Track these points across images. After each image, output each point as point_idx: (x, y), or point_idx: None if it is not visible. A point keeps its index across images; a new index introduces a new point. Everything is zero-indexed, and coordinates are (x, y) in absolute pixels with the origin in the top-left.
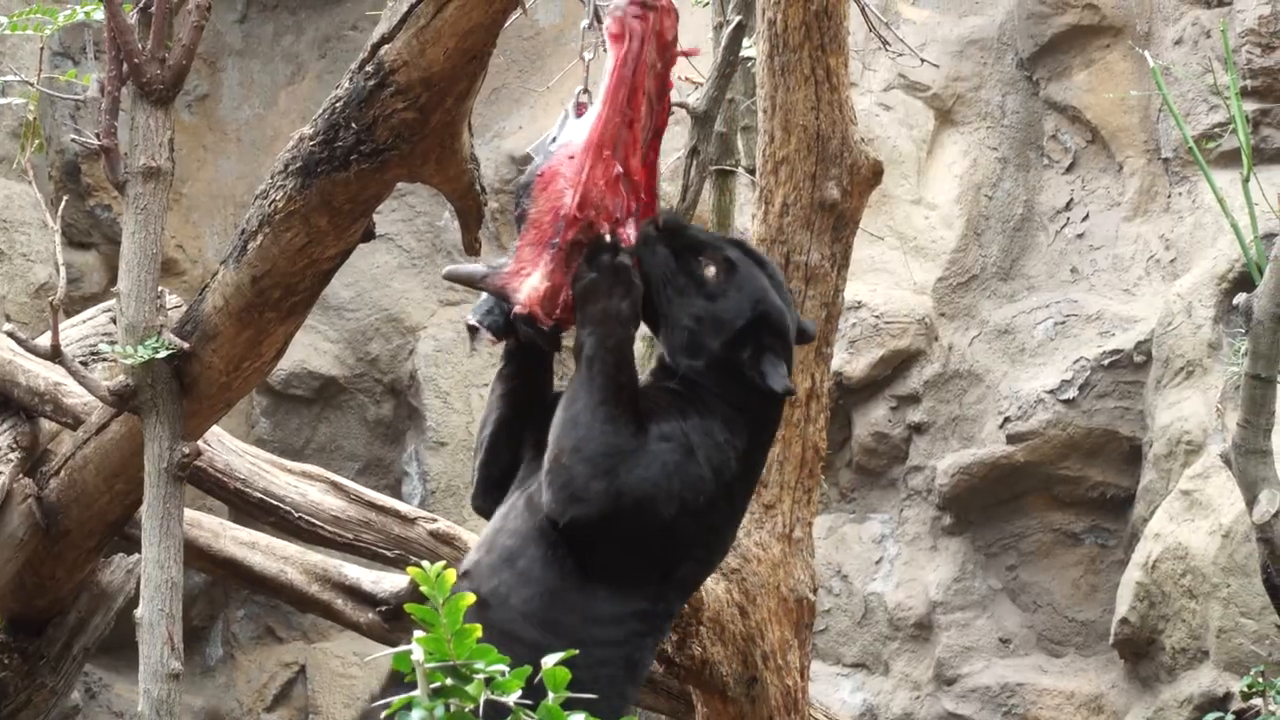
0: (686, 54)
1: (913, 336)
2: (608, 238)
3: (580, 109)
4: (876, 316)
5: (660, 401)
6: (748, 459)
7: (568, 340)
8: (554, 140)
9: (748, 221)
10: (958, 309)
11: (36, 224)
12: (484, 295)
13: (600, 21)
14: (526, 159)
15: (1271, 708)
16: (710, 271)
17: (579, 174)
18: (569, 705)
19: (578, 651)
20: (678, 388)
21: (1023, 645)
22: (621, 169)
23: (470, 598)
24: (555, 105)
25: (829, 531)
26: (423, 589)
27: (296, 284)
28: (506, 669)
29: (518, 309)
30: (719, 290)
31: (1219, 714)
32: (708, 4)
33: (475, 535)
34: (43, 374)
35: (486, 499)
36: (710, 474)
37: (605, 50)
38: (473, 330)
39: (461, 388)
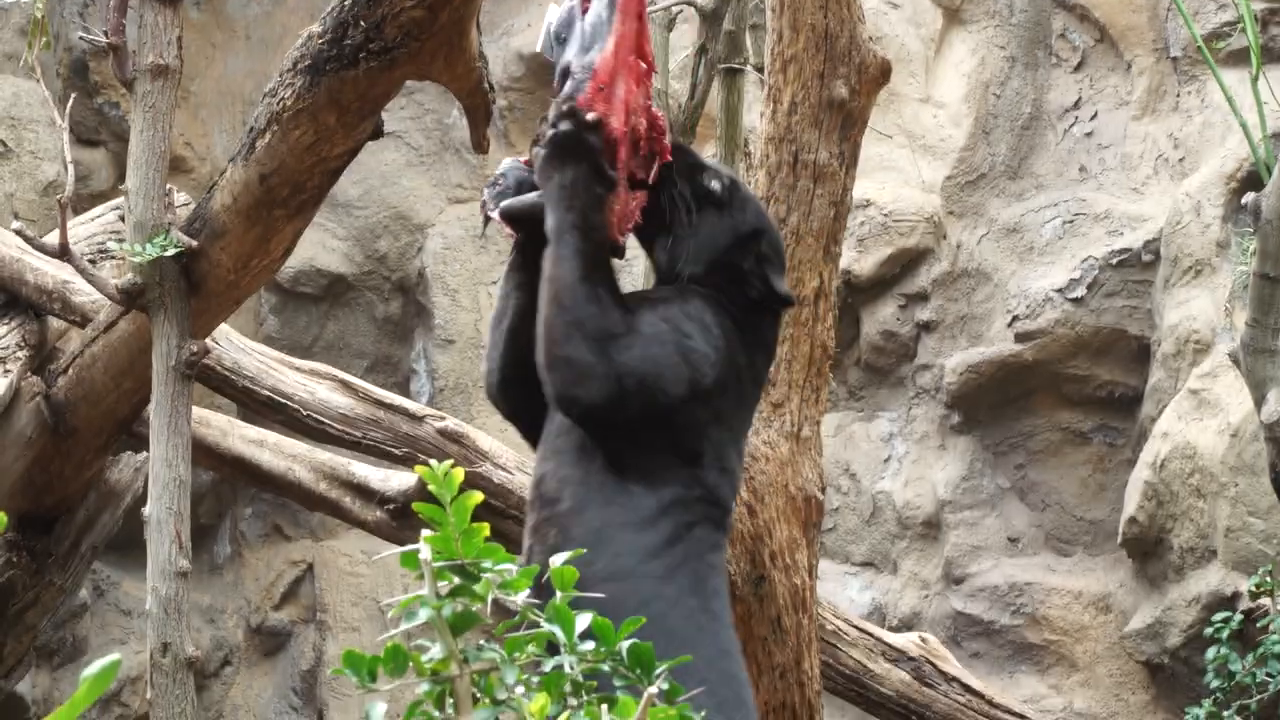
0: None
1: (921, 235)
2: (566, 121)
3: (585, 2)
4: (885, 215)
5: (650, 295)
6: (748, 358)
7: None
8: (559, 38)
9: (756, 120)
10: (966, 207)
11: (44, 121)
12: (499, 180)
13: None
14: (537, 57)
15: (1279, 606)
16: (716, 185)
17: (613, 95)
18: (578, 605)
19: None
20: (669, 288)
21: (1031, 544)
22: (644, 63)
23: (476, 494)
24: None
25: (837, 430)
26: (431, 487)
27: (305, 182)
28: (514, 567)
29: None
30: (727, 200)
31: (1227, 613)
32: None
33: (483, 433)
34: (51, 272)
35: (507, 391)
36: (713, 352)
37: None
38: (511, 220)
39: (470, 285)
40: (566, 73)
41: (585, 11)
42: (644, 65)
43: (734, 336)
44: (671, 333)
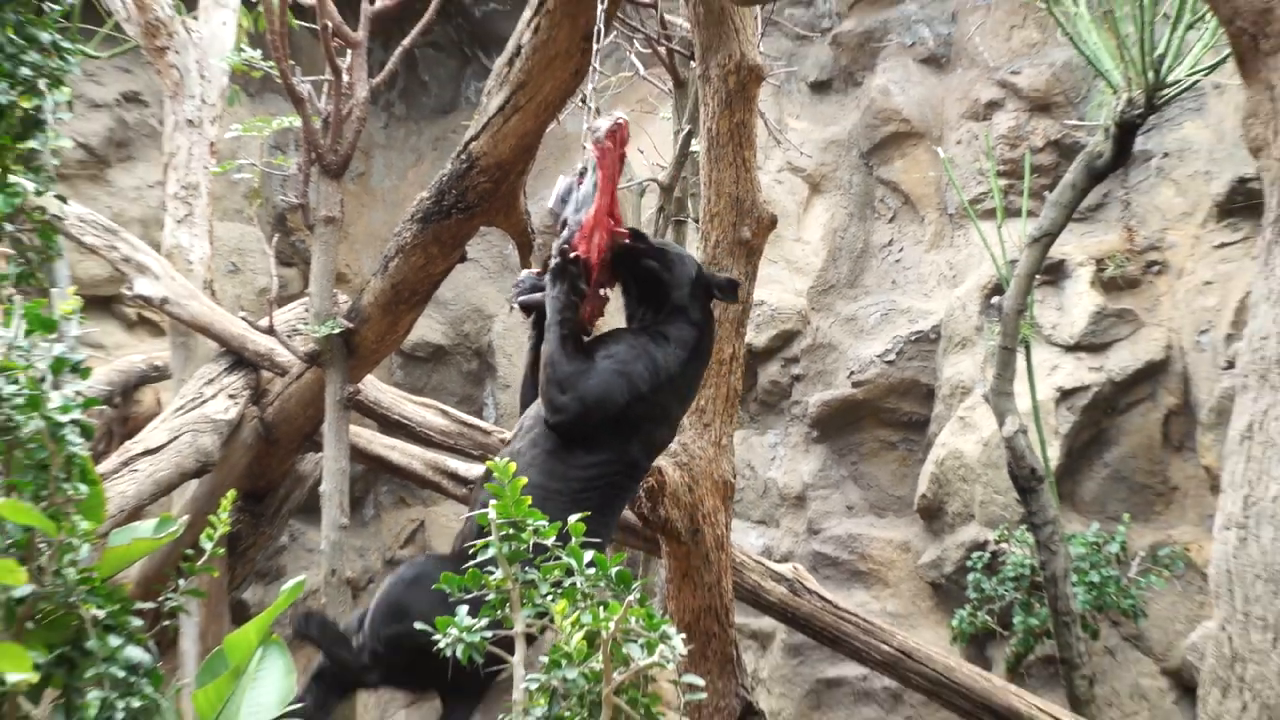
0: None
1: (795, 322)
2: (558, 257)
3: (580, 178)
4: (773, 310)
5: (614, 335)
6: (687, 368)
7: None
8: (563, 200)
9: (694, 252)
10: (821, 305)
11: (259, 251)
12: (519, 283)
13: (592, 136)
14: (556, 208)
15: (1013, 548)
16: (654, 265)
17: (591, 235)
18: (585, 548)
19: (563, 486)
20: (639, 324)
21: (860, 510)
22: (611, 218)
23: (523, 480)
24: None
25: (743, 440)
26: (494, 474)
27: (418, 288)
28: (546, 523)
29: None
30: (674, 261)
31: (980, 553)
32: (669, 119)
33: None
34: (263, 342)
35: (525, 398)
36: (648, 373)
37: (592, 152)
38: (524, 308)
39: (519, 352)
40: (564, 223)
41: (580, 183)
42: (613, 221)
43: (666, 354)
44: (616, 363)
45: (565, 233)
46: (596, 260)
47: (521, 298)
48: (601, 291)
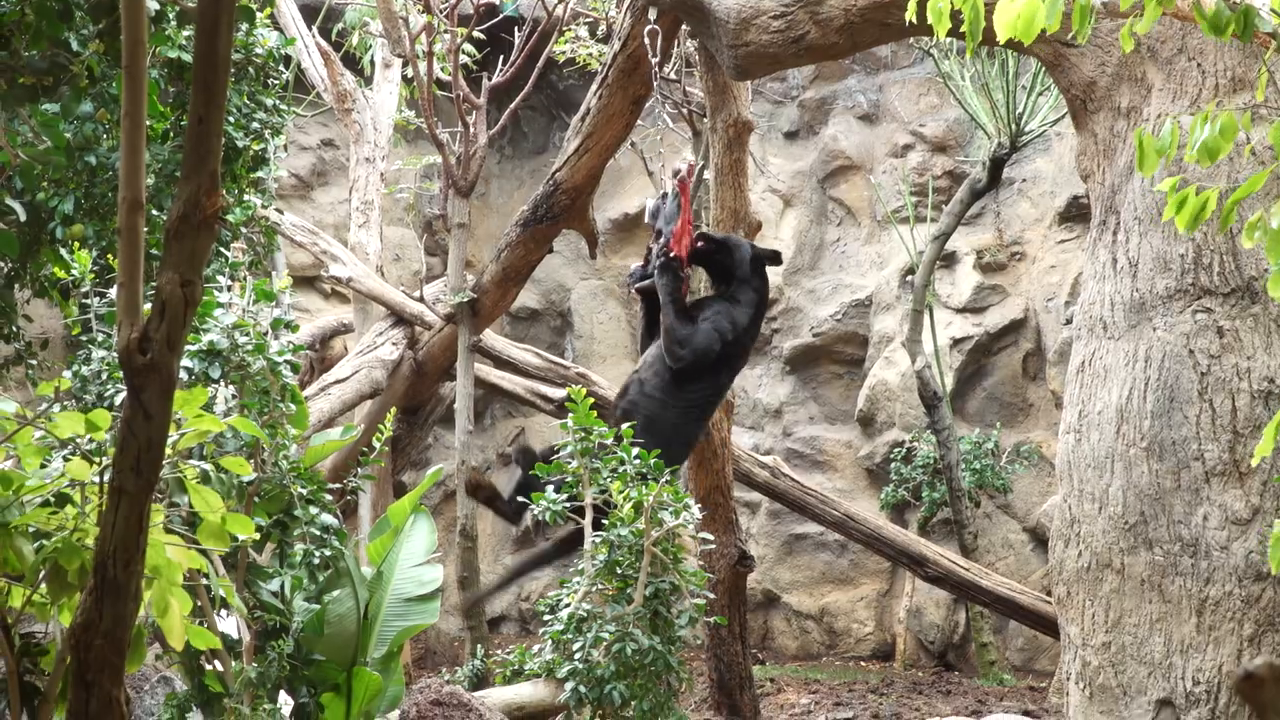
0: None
1: (774, 294)
2: (661, 257)
3: (664, 200)
4: None
5: (705, 302)
6: (753, 319)
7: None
8: (654, 216)
9: None
10: (793, 282)
11: (413, 246)
12: (633, 273)
13: (674, 174)
14: (638, 215)
15: (921, 445)
16: (733, 254)
17: (681, 239)
18: (634, 444)
19: (679, 407)
20: (718, 293)
21: (819, 420)
22: (691, 226)
23: (590, 399)
24: (632, 194)
25: (741, 375)
26: (572, 395)
27: (520, 270)
28: (605, 428)
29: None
30: (734, 248)
31: (900, 449)
32: (692, 159)
33: (594, 373)
34: (417, 307)
35: (642, 346)
36: (730, 327)
37: (673, 184)
38: (640, 292)
39: (591, 314)
40: (659, 233)
41: (664, 201)
42: (692, 227)
43: (739, 312)
44: (710, 323)
45: (660, 240)
46: (685, 256)
47: (637, 284)
48: (686, 273)
